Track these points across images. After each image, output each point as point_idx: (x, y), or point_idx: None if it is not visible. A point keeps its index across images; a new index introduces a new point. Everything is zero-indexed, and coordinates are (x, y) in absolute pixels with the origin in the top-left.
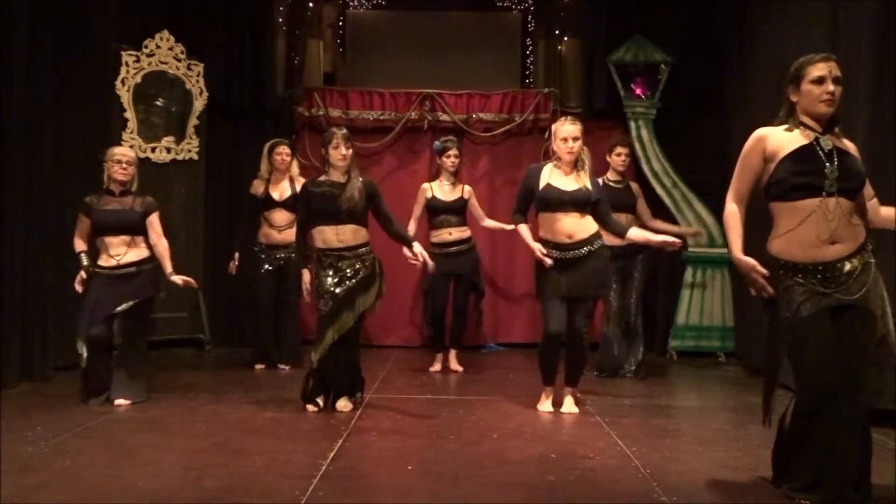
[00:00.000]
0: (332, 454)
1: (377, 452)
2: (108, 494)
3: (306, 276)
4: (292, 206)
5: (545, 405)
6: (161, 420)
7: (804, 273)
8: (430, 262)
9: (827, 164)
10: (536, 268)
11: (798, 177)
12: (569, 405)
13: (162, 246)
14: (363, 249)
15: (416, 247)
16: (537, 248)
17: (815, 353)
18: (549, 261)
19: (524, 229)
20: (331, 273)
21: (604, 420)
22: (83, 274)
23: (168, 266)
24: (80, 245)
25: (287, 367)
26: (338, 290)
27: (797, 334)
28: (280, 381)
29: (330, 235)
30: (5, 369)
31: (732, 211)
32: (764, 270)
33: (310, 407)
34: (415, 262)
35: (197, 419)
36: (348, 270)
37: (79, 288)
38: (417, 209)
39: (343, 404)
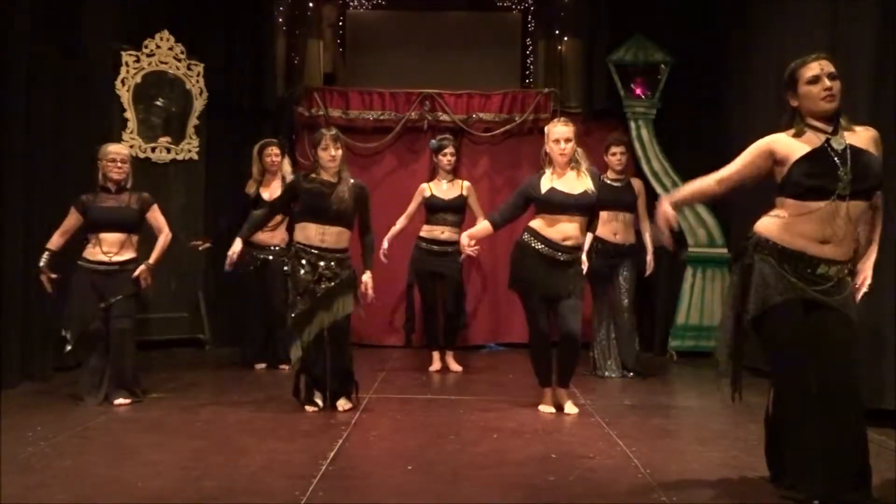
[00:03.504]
0: (332, 454)
1: (377, 452)
2: (108, 494)
3: (237, 244)
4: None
5: (545, 406)
6: (161, 420)
7: (782, 257)
8: (369, 298)
9: (840, 167)
10: (513, 259)
11: (812, 179)
12: (568, 406)
13: (163, 237)
14: (344, 255)
15: (367, 276)
16: (465, 242)
17: (787, 341)
18: (471, 252)
19: (483, 224)
20: (308, 269)
21: (604, 420)
22: (48, 275)
23: (153, 257)
24: (54, 241)
25: (287, 368)
26: (317, 289)
27: (768, 322)
28: (280, 381)
29: (313, 233)
30: (5, 369)
31: (708, 179)
32: (673, 223)
33: (309, 407)
34: (361, 287)
35: (197, 419)
36: (326, 272)
37: (49, 287)
38: (412, 206)
39: (343, 404)
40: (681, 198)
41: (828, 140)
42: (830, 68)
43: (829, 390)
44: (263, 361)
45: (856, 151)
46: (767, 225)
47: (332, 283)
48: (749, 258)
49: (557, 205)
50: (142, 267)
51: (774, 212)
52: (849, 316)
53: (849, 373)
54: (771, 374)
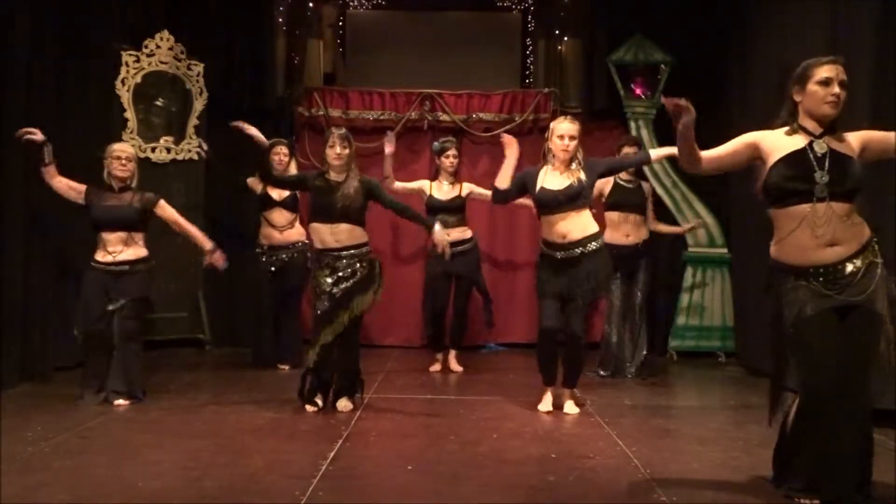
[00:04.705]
0: (332, 454)
1: (377, 452)
2: (108, 494)
3: (253, 129)
4: (291, 205)
5: (545, 405)
6: (161, 420)
7: (805, 276)
8: (441, 249)
9: (817, 171)
10: (537, 266)
11: (789, 182)
12: (569, 406)
13: (187, 226)
14: (361, 250)
15: (437, 228)
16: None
17: (818, 354)
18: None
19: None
20: (328, 273)
21: (604, 420)
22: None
23: (203, 241)
24: (54, 171)
25: (287, 367)
26: (335, 290)
27: (801, 334)
28: (280, 381)
29: (326, 235)
30: (5, 369)
31: (699, 152)
32: (684, 105)
33: (309, 407)
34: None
35: (197, 419)
36: (346, 271)
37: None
38: (407, 183)
39: (343, 404)
40: (690, 122)
41: (811, 143)
42: (843, 76)
43: (839, 392)
44: (264, 363)
45: (836, 156)
46: (778, 251)
47: (349, 283)
48: (776, 283)
49: (547, 203)
50: (210, 256)
51: (775, 235)
52: (876, 311)
53: (861, 376)
54: (799, 383)
